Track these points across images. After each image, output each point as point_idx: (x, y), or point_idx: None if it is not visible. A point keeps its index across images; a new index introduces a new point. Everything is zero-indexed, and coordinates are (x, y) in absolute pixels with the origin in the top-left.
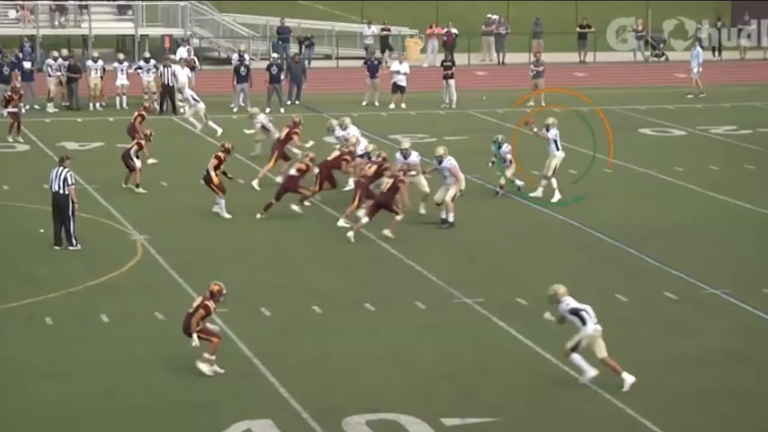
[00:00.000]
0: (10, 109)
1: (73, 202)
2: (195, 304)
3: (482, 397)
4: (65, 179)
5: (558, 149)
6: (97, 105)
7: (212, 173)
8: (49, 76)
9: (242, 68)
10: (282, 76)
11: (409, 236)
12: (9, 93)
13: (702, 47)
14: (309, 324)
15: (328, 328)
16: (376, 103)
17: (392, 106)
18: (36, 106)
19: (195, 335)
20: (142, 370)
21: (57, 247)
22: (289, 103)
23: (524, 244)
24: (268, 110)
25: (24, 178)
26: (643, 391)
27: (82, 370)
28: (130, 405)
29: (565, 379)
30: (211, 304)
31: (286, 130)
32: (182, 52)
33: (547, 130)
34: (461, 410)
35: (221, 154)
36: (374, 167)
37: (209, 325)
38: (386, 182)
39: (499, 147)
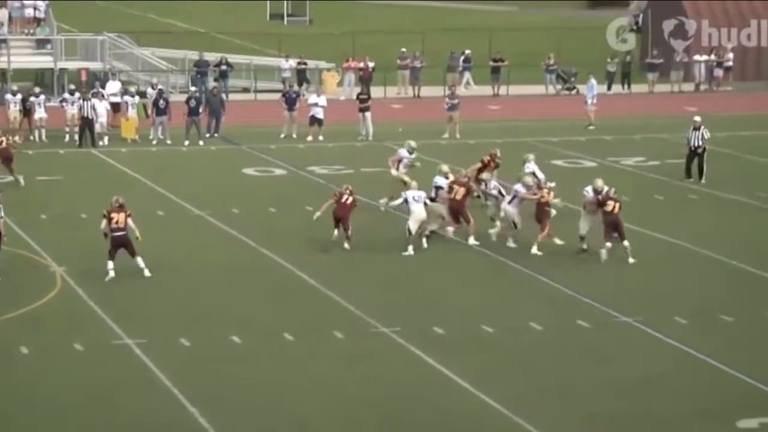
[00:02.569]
0: None
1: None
2: None
3: (401, 423)
4: None
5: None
6: (16, 138)
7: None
8: None
9: (161, 101)
10: (201, 109)
11: (327, 265)
12: None
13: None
14: (228, 353)
15: (248, 357)
16: (294, 135)
17: (310, 138)
18: None
19: None
20: (61, 401)
21: None
22: (207, 135)
23: (446, 276)
24: (186, 142)
25: None
26: (556, 417)
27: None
28: None
29: (482, 407)
30: None
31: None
32: (113, 87)
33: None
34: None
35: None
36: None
37: None
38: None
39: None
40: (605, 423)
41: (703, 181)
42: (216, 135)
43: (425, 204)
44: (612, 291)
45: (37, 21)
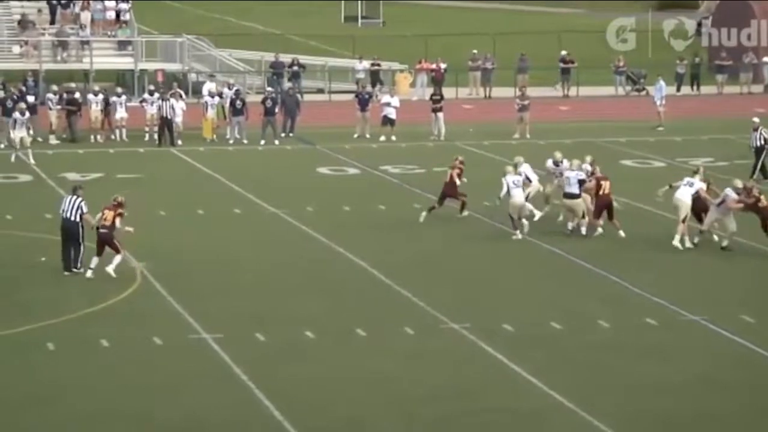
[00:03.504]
0: None
1: (82, 228)
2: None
3: (464, 420)
4: (79, 207)
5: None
6: (98, 137)
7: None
8: (50, 109)
9: (238, 102)
10: (276, 109)
11: (399, 263)
12: None
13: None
14: (302, 349)
15: (320, 354)
16: (367, 135)
17: (383, 138)
18: (39, 138)
19: None
20: (139, 396)
21: (66, 273)
22: (283, 135)
23: (510, 272)
24: (262, 142)
25: (26, 208)
26: (625, 414)
27: (81, 394)
28: (126, 429)
29: (550, 403)
30: None
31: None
32: (210, 86)
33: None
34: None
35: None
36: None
37: None
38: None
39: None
40: (664, 420)
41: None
42: (291, 134)
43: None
44: (680, 289)
45: (119, 23)
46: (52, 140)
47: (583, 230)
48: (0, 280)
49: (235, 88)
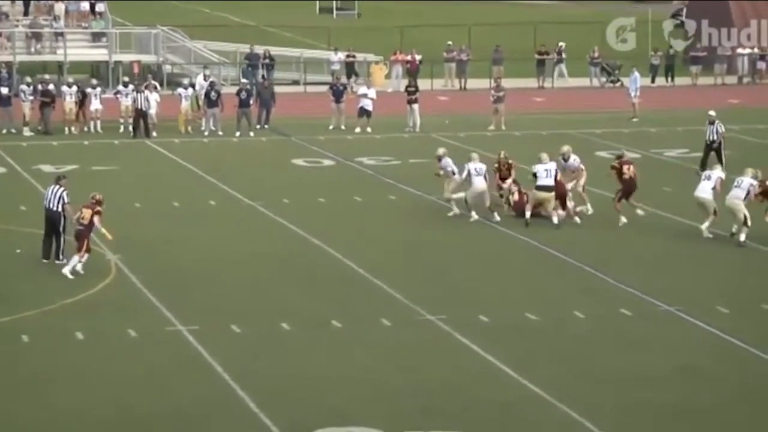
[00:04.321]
0: None
1: (64, 219)
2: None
3: (445, 411)
4: (60, 197)
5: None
6: (72, 129)
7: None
8: (23, 101)
9: (212, 93)
10: (251, 101)
11: (375, 255)
12: None
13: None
14: (278, 341)
15: (297, 345)
16: (342, 127)
17: (358, 129)
18: (12, 130)
19: None
20: (115, 388)
21: (45, 260)
22: (258, 127)
23: (487, 264)
24: (237, 134)
25: (1, 201)
26: (603, 407)
27: (55, 386)
28: (101, 420)
29: (527, 394)
30: None
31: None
32: (200, 80)
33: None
34: (426, 424)
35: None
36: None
37: None
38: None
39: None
40: (643, 410)
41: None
42: (266, 126)
43: None
44: (654, 280)
45: (93, 14)
46: (26, 132)
47: (555, 220)
48: None
49: (210, 80)
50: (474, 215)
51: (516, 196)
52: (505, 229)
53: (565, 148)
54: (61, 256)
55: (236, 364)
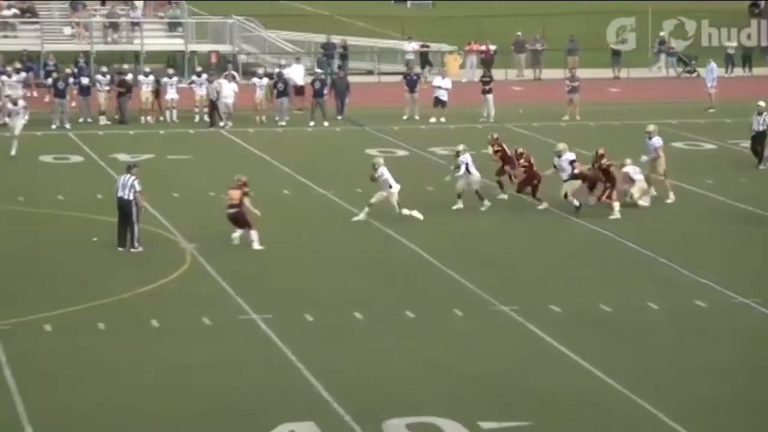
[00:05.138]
0: None
1: (138, 207)
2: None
3: (518, 401)
4: (132, 186)
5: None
6: (148, 118)
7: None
8: (99, 90)
9: (280, 84)
10: (325, 91)
11: (448, 245)
12: None
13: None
14: (350, 330)
15: (370, 335)
16: (416, 117)
17: (432, 119)
18: (89, 120)
19: None
20: (188, 375)
21: (120, 248)
22: (339, 118)
23: (558, 253)
24: (312, 123)
25: (78, 189)
26: (675, 397)
27: (131, 373)
28: (175, 408)
29: (601, 385)
30: None
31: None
32: (297, 70)
33: (559, 156)
34: (498, 415)
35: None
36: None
37: None
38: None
39: (559, 156)
40: (715, 403)
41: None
42: (340, 117)
43: None
44: (730, 271)
45: (170, 3)
46: (103, 121)
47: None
48: (52, 261)
49: (278, 70)
50: (487, 202)
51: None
52: (570, 217)
53: (561, 146)
54: (136, 244)
55: (309, 352)
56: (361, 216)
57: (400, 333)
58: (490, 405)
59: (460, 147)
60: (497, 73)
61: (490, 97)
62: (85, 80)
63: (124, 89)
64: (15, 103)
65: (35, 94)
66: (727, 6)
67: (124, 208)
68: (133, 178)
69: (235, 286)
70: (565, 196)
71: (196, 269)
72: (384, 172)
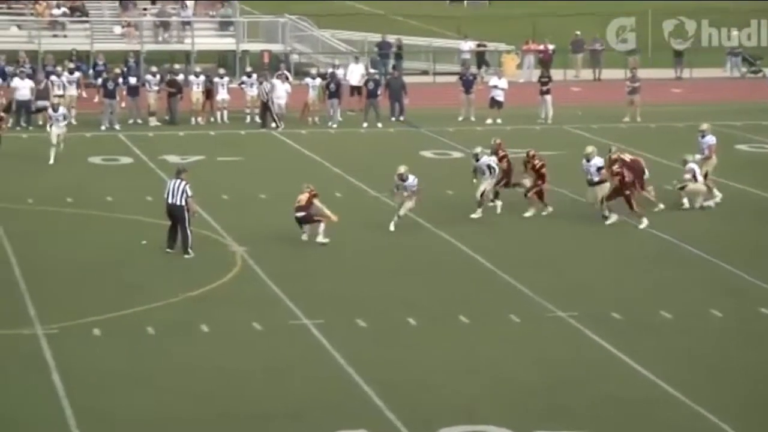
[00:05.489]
0: None
1: (190, 212)
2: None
3: (576, 410)
4: (183, 191)
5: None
6: (199, 119)
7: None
8: (149, 91)
9: (332, 84)
10: (379, 91)
11: (503, 248)
12: None
13: None
14: (403, 335)
15: (423, 341)
16: (472, 118)
17: (489, 120)
18: (139, 120)
19: None
20: (238, 380)
21: (169, 250)
22: (393, 119)
23: (617, 259)
24: (365, 125)
25: (127, 190)
26: (741, 409)
27: (180, 378)
28: (223, 413)
29: (660, 394)
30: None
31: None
32: (357, 70)
33: (588, 161)
34: (554, 423)
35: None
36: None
37: None
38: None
39: (588, 160)
40: None
41: None
42: (401, 118)
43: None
44: None
45: (221, 2)
46: (153, 122)
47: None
48: (100, 264)
49: (330, 71)
50: (499, 201)
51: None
52: (628, 220)
53: (590, 149)
54: (189, 251)
55: (361, 359)
56: (392, 225)
57: (455, 338)
58: (548, 413)
59: (478, 149)
60: (556, 74)
61: (548, 97)
62: (134, 80)
63: (175, 89)
64: (55, 109)
65: (84, 94)
66: (728, 6)
67: (175, 214)
68: (183, 183)
69: (286, 290)
70: (602, 201)
71: (246, 273)
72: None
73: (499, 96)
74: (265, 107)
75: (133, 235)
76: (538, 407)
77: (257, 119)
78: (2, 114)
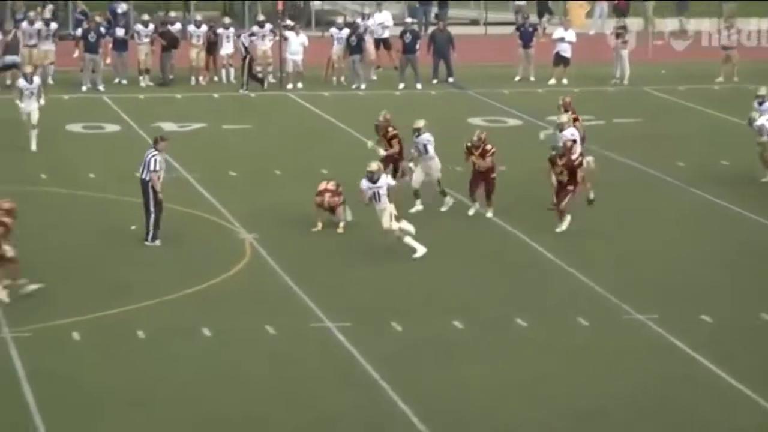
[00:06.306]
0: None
1: (154, 192)
2: None
3: None
4: (147, 164)
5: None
6: (199, 79)
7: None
8: (140, 44)
9: (353, 38)
10: (417, 45)
11: (569, 238)
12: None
13: None
14: (449, 343)
15: (470, 348)
16: (532, 78)
17: (552, 81)
18: (124, 81)
19: None
20: (251, 397)
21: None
22: (434, 81)
23: (702, 252)
24: (401, 86)
25: (113, 165)
26: None
27: (178, 394)
28: None
29: (761, 417)
30: (8, 220)
31: None
32: (383, 18)
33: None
34: None
35: None
36: None
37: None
38: None
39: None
40: None
41: None
42: (450, 79)
43: None
44: None
45: None
46: (143, 82)
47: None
48: (81, 254)
49: (356, 20)
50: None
51: None
52: (725, 203)
53: (564, 118)
54: (148, 238)
55: (397, 370)
56: (418, 206)
57: (510, 346)
58: None
59: (564, 118)
60: (633, 24)
61: (624, 53)
62: (121, 32)
63: (170, 43)
64: (29, 80)
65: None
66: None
67: (142, 191)
68: (153, 153)
69: (304, 285)
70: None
71: (256, 265)
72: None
73: (565, 51)
74: (249, 66)
75: (120, 220)
76: (611, 428)
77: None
78: None
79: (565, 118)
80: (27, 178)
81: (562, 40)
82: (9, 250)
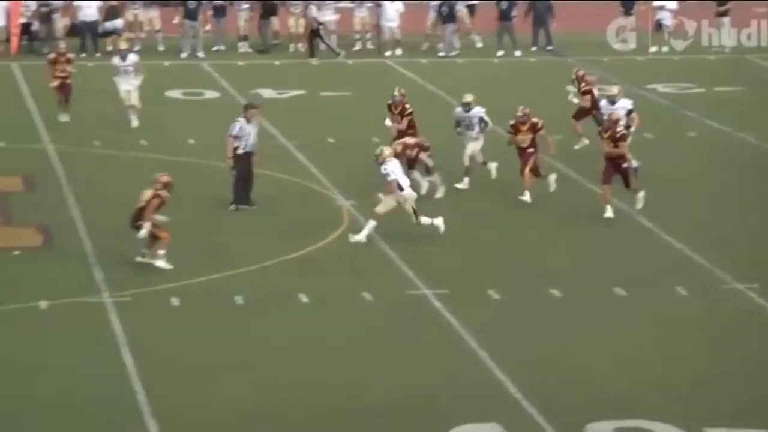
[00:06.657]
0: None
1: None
2: (146, 198)
3: (755, 403)
4: (230, 128)
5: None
6: (298, 46)
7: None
8: (239, 10)
9: (444, 7)
10: (514, 12)
11: (669, 208)
12: (54, 54)
13: None
14: (545, 311)
15: (569, 317)
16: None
17: (653, 48)
18: (222, 47)
19: (146, 226)
20: (348, 363)
21: (230, 207)
22: (534, 48)
23: None
24: (500, 53)
25: (212, 132)
26: None
27: (275, 360)
28: (333, 405)
29: None
30: (164, 193)
31: None
32: None
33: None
34: (730, 418)
35: None
36: None
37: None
38: None
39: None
40: None
41: None
42: (550, 47)
43: None
44: None
45: None
46: (242, 48)
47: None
48: (180, 220)
49: None
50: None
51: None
52: None
53: (615, 90)
54: (233, 204)
55: (493, 338)
56: (361, 237)
57: (608, 315)
58: (720, 408)
59: (470, 97)
60: None
61: (726, 20)
62: None
63: (267, 10)
64: (123, 57)
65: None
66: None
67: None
68: (238, 119)
69: (402, 253)
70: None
71: (354, 232)
72: (392, 169)
73: (666, 19)
74: (316, 34)
75: (218, 187)
76: (709, 400)
77: (369, 45)
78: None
79: (615, 89)
80: (126, 145)
81: (662, 7)
82: (162, 222)
